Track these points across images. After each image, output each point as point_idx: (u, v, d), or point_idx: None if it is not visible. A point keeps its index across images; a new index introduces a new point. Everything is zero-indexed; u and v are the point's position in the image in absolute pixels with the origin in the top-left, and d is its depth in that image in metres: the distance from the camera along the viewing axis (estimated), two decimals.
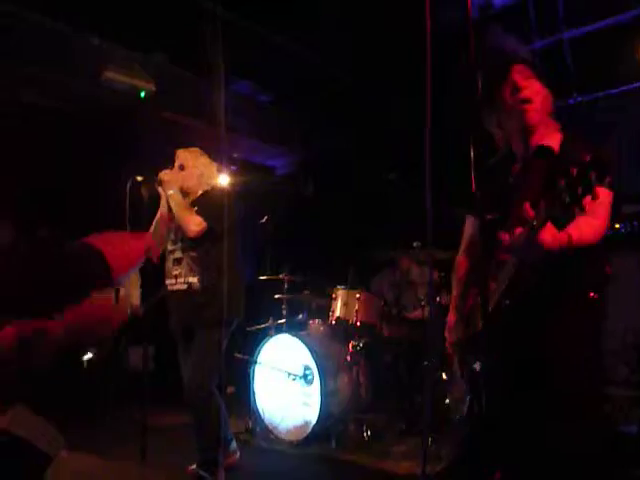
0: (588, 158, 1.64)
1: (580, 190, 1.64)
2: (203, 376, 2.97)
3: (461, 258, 2.06)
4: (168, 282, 3.17)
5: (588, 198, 1.66)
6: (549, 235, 1.56)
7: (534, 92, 1.80)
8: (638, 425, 2.98)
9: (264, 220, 4.88)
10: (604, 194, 1.69)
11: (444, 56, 1.97)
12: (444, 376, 4.07)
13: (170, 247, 3.22)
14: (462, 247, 2.09)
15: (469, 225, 2.06)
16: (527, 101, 1.80)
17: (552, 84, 1.92)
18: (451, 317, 2.00)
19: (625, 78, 4.33)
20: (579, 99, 4.67)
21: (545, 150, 1.78)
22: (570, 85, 4.63)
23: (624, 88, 4.38)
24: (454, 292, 2.06)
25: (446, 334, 2.00)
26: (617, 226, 3.16)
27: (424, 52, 1.53)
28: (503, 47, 4.59)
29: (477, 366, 1.80)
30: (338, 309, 4.19)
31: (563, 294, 1.73)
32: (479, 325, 1.82)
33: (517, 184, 1.84)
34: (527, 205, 1.57)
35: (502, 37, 4.54)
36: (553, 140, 1.81)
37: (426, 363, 4.17)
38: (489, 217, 1.82)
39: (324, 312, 4.46)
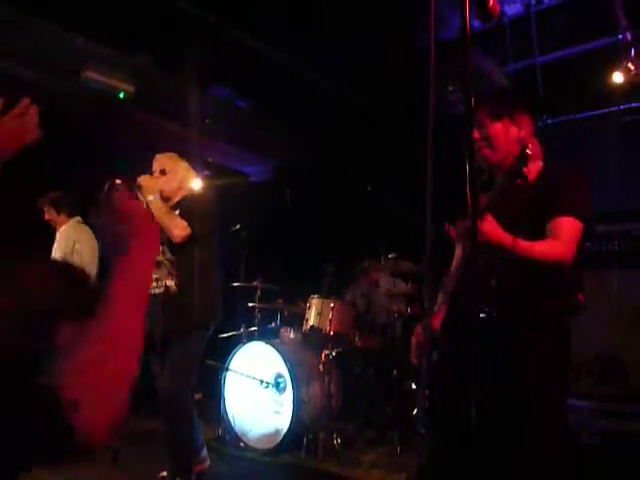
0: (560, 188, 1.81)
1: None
2: (181, 382, 2.93)
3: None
4: None
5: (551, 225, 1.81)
6: (489, 225, 1.69)
7: (491, 137, 1.91)
8: (601, 437, 3.11)
9: (238, 227, 4.88)
10: (571, 222, 1.82)
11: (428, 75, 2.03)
12: (413, 386, 4.16)
13: None
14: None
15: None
16: (483, 147, 1.92)
17: (524, 106, 2.02)
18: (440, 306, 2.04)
19: (596, 103, 4.53)
20: (548, 122, 4.85)
21: (514, 176, 1.85)
22: (540, 108, 4.82)
23: (594, 113, 4.58)
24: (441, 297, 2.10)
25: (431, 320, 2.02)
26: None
27: (408, 65, 1.56)
28: (479, 68, 4.75)
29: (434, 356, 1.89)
30: (312, 318, 4.22)
31: (538, 315, 1.84)
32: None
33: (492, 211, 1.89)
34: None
35: (479, 58, 4.69)
36: (531, 169, 1.89)
37: (395, 372, 4.24)
38: None
39: (297, 320, 4.48)
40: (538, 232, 1.83)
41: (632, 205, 3.92)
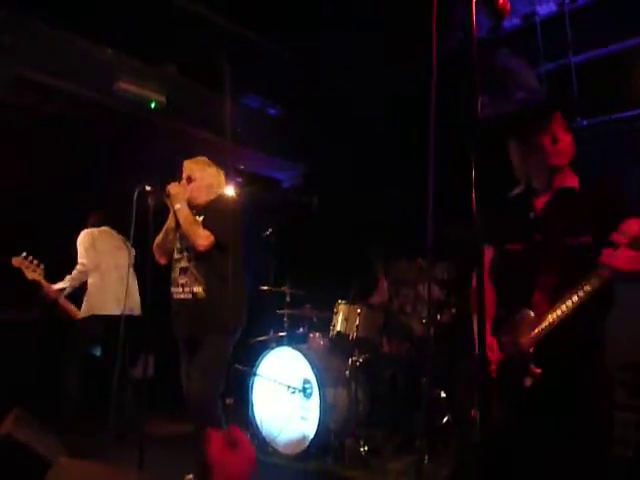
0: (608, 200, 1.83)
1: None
2: (210, 387, 2.94)
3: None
4: (174, 290, 3.17)
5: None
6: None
7: (568, 143, 1.93)
8: (634, 449, 2.98)
9: (268, 233, 4.92)
10: None
11: (450, 76, 2.01)
12: (442, 394, 4.08)
13: (176, 256, 3.22)
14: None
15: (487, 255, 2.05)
16: (563, 152, 1.93)
17: (557, 107, 2.00)
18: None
19: (632, 103, 4.38)
20: (583, 123, 4.71)
21: (569, 191, 1.93)
22: (575, 109, 4.68)
23: (631, 113, 4.42)
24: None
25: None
26: None
27: (431, 69, 1.54)
28: (510, 69, 4.66)
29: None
30: (339, 323, 4.21)
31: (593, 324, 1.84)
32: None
33: (546, 219, 1.93)
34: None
35: (509, 59, 4.60)
36: (573, 182, 1.95)
37: (424, 380, 4.17)
38: (512, 247, 1.95)
39: (325, 326, 4.47)
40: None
41: None
